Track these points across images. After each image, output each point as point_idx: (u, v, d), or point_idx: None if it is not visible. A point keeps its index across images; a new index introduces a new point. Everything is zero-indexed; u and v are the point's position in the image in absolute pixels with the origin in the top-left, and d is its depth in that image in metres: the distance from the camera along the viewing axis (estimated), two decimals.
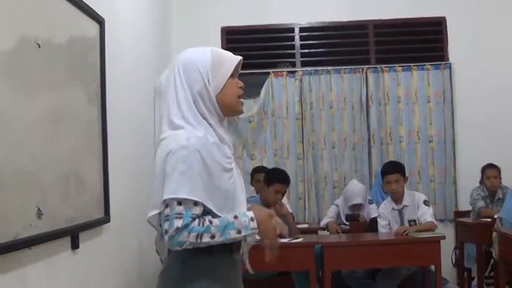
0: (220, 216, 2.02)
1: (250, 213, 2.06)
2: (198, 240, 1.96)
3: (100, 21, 3.45)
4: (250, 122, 6.38)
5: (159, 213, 2.02)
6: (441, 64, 6.30)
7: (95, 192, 3.29)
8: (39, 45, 2.56)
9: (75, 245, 2.95)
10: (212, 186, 2.02)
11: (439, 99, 6.30)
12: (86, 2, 3.19)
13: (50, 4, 2.75)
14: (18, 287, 2.35)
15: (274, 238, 2.13)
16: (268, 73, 6.40)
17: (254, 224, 2.04)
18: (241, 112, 2.24)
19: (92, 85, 3.29)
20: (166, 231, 1.96)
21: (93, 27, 3.36)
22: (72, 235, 2.93)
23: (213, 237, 1.97)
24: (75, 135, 2.99)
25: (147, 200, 3.91)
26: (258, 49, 6.42)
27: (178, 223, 1.95)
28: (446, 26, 6.35)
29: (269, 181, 4.96)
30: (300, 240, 4.64)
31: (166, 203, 1.98)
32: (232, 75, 2.16)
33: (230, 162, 2.13)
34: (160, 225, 2.03)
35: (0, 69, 2.24)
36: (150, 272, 4.42)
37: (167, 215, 1.97)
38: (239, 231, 2.01)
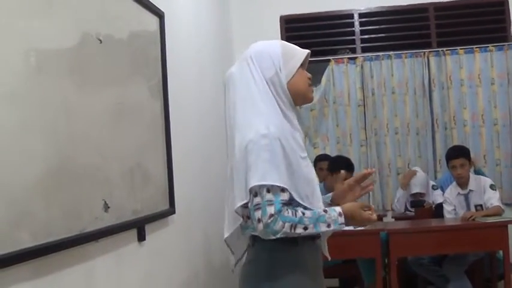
0: (301, 204, 2.04)
1: (339, 208, 2.09)
2: (292, 231, 1.99)
3: (160, 15, 3.46)
4: (311, 110, 6.32)
5: (246, 204, 2.04)
6: (504, 45, 6.10)
7: (160, 184, 3.31)
8: (100, 40, 2.58)
9: (141, 237, 2.97)
10: (294, 174, 2.04)
11: (503, 81, 6.11)
12: None
13: (111, 1, 2.77)
14: (86, 280, 2.38)
15: (367, 223, 2.18)
16: (329, 60, 6.32)
17: (342, 219, 2.07)
18: (312, 100, 2.28)
19: (153, 79, 3.31)
20: (259, 220, 1.99)
21: (153, 22, 3.38)
22: (139, 227, 2.95)
23: (305, 228, 2.01)
24: (139, 129, 3.01)
25: (212, 191, 4.00)
26: (318, 37, 6.35)
27: (271, 209, 1.98)
28: (508, 6, 6.15)
29: (333, 169, 4.93)
30: (365, 227, 4.58)
31: (255, 192, 2.00)
32: (301, 66, 2.20)
33: (304, 150, 2.15)
34: (248, 216, 2.07)
35: (64, 66, 2.26)
36: (217, 264, 4.45)
37: (257, 204, 2.00)
38: (329, 225, 2.04)
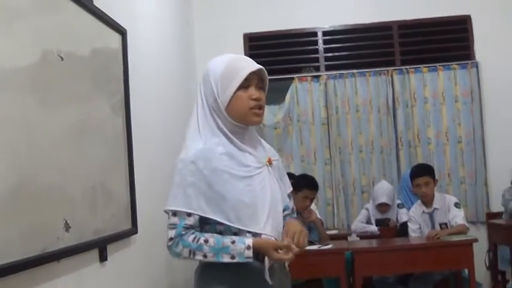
0: (231, 227, 2.05)
1: (249, 241, 2.04)
2: (191, 256, 2.05)
3: (122, 32, 3.47)
4: (276, 128, 6.37)
5: None
6: (468, 63, 6.23)
7: (122, 203, 3.30)
8: (62, 58, 2.58)
9: (103, 257, 2.96)
10: (215, 196, 2.04)
11: (467, 99, 6.22)
12: (107, 13, 3.21)
13: (72, 16, 2.77)
14: None
15: (280, 261, 2.10)
16: (293, 78, 6.39)
17: (249, 253, 2.03)
18: (258, 123, 2.21)
19: (116, 96, 3.31)
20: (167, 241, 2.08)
21: (115, 39, 3.38)
22: (100, 247, 2.94)
23: (205, 256, 2.03)
24: (101, 147, 3.00)
25: None
26: (282, 54, 6.41)
27: (172, 233, 2.05)
28: (471, 24, 6.27)
29: (297, 187, 4.92)
30: (329, 246, 4.62)
31: (167, 213, 2.08)
32: (245, 87, 2.14)
33: (248, 170, 2.12)
34: None
35: (25, 83, 2.25)
36: (180, 284, 4.40)
37: (168, 224, 2.07)
38: (233, 257, 2.03)
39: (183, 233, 2.03)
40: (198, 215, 2.04)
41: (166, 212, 2.08)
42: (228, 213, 2.04)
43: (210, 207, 2.04)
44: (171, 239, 2.04)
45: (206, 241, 2.02)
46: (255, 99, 2.15)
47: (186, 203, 2.03)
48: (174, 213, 2.05)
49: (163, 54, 4.69)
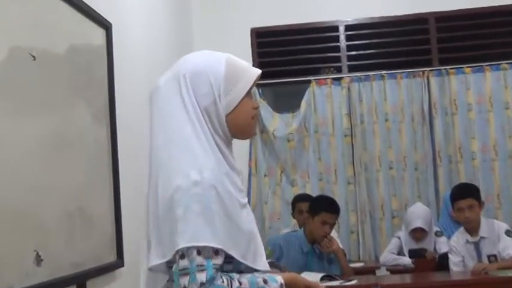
0: (242, 264, 2.03)
1: (280, 279, 2.07)
2: None
3: (106, 26, 3.47)
4: (289, 141, 6.36)
5: (167, 262, 2.01)
6: None
7: (105, 231, 3.29)
8: (34, 57, 2.56)
9: None
10: (234, 229, 2.01)
11: None
12: (89, 5, 3.20)
13: (47, 8, 2.76)
14: None
15: None
16: (309, 81, 6.38)
17: None
18: (254, 135, 2.27)
19: (98, 102, 3.31)
20: None
21: (98, 34, 3.38)
22: (79, 283, 2.91)
23: None
24: (80, 163, 2.99)
25: None
26: (296, 53, 6.42)
27: (202, 277, 1.92)
28: None
29: (314, 211, 4.91)
30: (354, 282, 4.57)
31: (181, 253, 1.95)
32: (248, 93, 2.15)
33: (244, 194, 2.13)
34: (173, 279, 2.01)
35: None
36: None
37: (184, 268, 1.94)
38: None
39: (215, 276, 1.94)
40: (225, 252, 1.98)
41: (182, 250, 1.95)
42: (242, 248, 2.02)
43: (230, 242, 1.99)
44: (202, 284, 1.92)
45: (240, 282, 1.99)
46: (256, 108, 2.21)
47: (216, 238, 1.95)
48: (199, 252, 1.94)
49: (156, 52, 4.69)
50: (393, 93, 6.35)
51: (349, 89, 6.36)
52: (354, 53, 6.46)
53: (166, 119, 2.08)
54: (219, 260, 1.95)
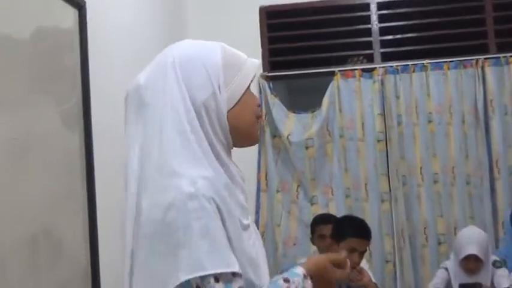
0: None
1: (301, 270, 2.13)
2: None
3: (79, 5, 3.47)
4: (307, 147, 6.37)
5: None
6: None
7: (78, 259, 3.28)
8: None
9: None
10: (236, 249, 2.03)
11: None
12: None
13: None
14: None
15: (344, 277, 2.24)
16: (333, 73, 6.38)
17: (309, 283, 2.12)
18: (257, 141, 2.27)
19: (69, 101, 3.31)
20: None
21: (68, 15, 3.37)
22: None
23: None
24: (46, 175, 2.99)
25: None
26: (316, 38, 6.41)
27: None
28: None
29: (340, 236, 4.89)
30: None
31: (196, 284, 1.95)
32: (248, 86, 2.20)
33: (247, 214, 2.16)
34: None
35: None
36: None
37: None
38: None
39: None
40: (240, 274, 2.00)
41: (195, 281, 1.96)
42: (244, 274, 2.03)
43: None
44: None
45: None
46: (259, 106, 2.26)
47: (230, 260, 1.98)
48: (216, 279, 1.95)
49: (142, 37, 4.71)
50: (438, 87, 6.35)
51: (382, 82, 6.36)
52: (389, 37, 6.44)
53: (148, 120, 2.10)
54: (239, 283, 1.98)
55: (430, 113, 6.35)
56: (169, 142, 2.04)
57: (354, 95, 6.40)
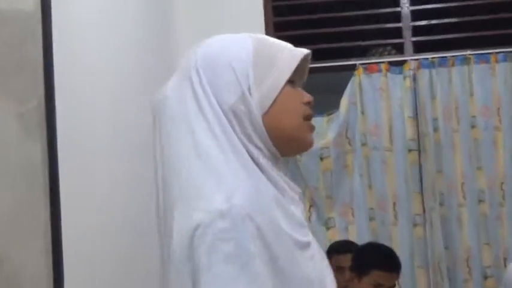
0: None
1: None
2: None
3: None
4: (322, 158, 6.41)
5: None
6: None
7: None
8: None
9: None
10: (282, 275, 2.07)
11: None
12: None
13: None
14: None
15: None
16: (354, 67, 6.43)
17: None
18: (310, 145, 2.32)
19: (29, 102, 3.32)
20: None
21: None
22: None
23: None
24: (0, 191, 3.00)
25: None
26: (332, 24, 6.46)
27: None
28: None
29: (362, 267, 4.93)
30: None
31: None
32: (291, 82, 2.25)
33: (305, 230, 2.22)
34: None
35: None
36: None
37: None
38: None
39: None
40: None
41: None
42: None
43: None
44: None
45: None
46: (308, 104, 2.31)
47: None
48: None
49: (120, 25, 4.71)
50: (484, 85, 6.37)
51: (415, 78, 6.39)
52: (422, 22, 6.49)
53: (178, 132, 2.17)
54: None
55: (474, 116, 6.36)
56: (198, 152, 2.12)
57: (379, 93, 6.45)
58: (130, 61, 4.90)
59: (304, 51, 2.27)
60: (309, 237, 2.21)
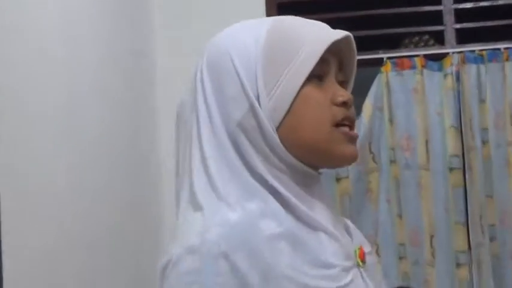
0: None
1: None
2: None
3: None
4: (339, 179, 6.39)
5: None
6: None
7: None
8: None
9: None
10: None
11: None
12: None
13: None
14: None
15: None
16: (380, 61, 6.41)
17: None
18: (350, 159, 2.25)
19: None
20: None
21: None
22: None
23: None
24: None
25: None
26: (351, 7, 6.48)
27: None
28: None
29: None
30: None
31: None
32: (318, 77, 2.20)
33: (334, 275, 2.14)
34: None
35: None
36: None
37: None
38: None
39: None
40: None
41: None
42: None
43: None
44: None
45: None
46: (343, 105, 2.22)
47: None
48: None
49: (79, 23, 4.82)
50: None
51: (458, 76, 6.33)
52: (469, 4, 6.46)
53: (180, 147, 2.26)
54: None
55: None
56: (194, 176, 2.17)
57: (412, 96, 6.41)
58: (92, 57, 5.10)
59: (337, 34, 2.21)
60: (339, 283, 2.13)
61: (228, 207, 2.09)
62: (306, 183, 2.18)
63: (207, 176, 2.13)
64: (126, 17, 5.85)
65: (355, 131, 2.24)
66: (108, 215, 5.07)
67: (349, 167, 6.21)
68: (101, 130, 5.10)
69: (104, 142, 5.15)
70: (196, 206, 2.12)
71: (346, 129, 2.19)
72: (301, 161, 2.16)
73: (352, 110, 2.23)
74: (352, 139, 2.21)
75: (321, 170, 2.28)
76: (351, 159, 2.23)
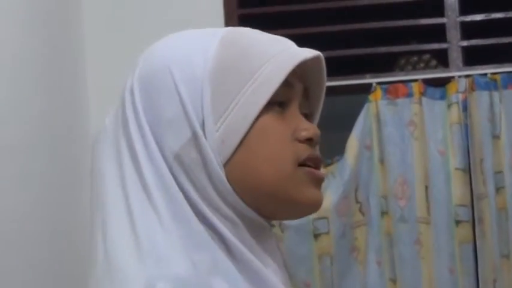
0: None
1: None
2: None
3: None
4: (317, 235, 5.91)
5: None
6: None
7: None
8: None
9: None
10: None
11: None
12: None
13: None
14: None
15: None
16: (368, 88, 5.92)
17: None
18: (314, 206, 2.08)
19: None
20: None
21: None
22: None
23: None
24: None
25: None
26: (332, 19, 6.09)
27: None
28: None
29: None
30: None
31: None
32: (282, 104, 2.06)
33: None
34: None
35: None
36: None
37: None
38: None
39: None
40: None
41: None
42: None
43: None
44: None
45: None
46: (308, 142, 2.08)
47: None
48: None
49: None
50: None
51: (466, 106, 5.89)
52: (477, 17, 6.04)
53: (102, 188, 2.06)
54: None
55: None
56: (119, 211, 1.98)
57: (408, 130, 5.98)
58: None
59: (306, 52, 2.05)
60: None
61: (171, 259, 1.92)
62: (258, 236, 2.04)
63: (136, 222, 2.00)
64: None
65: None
66: None
67: (331, 220, 5.90)
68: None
69: None
70: (131, 247, 1.91)
71: (311, 170, 2.06)
72: (253, 208, 2.01)
73: (317, 149, 2.11)
74: (318, 181, 2.08)
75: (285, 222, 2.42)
76: (317, 206, 2.09)
